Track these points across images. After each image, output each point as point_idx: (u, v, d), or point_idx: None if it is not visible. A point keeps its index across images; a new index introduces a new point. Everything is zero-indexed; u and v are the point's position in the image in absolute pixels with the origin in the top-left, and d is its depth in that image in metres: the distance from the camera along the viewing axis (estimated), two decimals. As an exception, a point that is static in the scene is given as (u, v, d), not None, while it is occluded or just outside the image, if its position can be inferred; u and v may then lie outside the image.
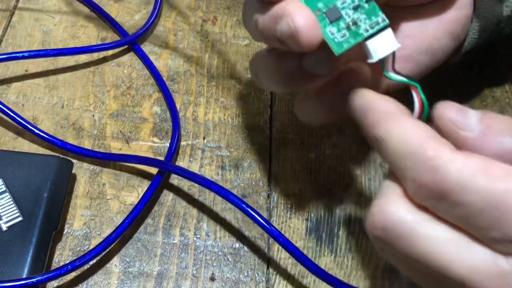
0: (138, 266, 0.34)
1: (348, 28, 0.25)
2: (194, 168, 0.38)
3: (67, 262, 0.33)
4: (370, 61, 0.26)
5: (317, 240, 0.35)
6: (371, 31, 0.25)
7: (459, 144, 0.22)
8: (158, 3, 0.46)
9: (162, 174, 0.36)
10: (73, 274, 0.33)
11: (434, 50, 0.32)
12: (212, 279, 0.34)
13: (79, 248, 0.34)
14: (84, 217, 0.35)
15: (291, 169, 0.38)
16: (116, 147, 0.39)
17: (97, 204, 0.36)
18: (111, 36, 0.44)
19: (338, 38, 0.25)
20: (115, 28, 0.45)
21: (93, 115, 0.40)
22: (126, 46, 0.43)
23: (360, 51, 0.26)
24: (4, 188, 0.34)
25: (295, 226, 0.36)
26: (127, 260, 0.34)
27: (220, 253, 0.34)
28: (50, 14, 0.45)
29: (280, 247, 0.35)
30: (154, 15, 0.45)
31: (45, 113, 0.40)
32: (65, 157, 0.36)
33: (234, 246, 0.35)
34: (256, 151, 0.39)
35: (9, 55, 0.40)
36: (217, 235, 0.35)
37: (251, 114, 0.41)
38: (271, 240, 0.35)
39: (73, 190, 0.36)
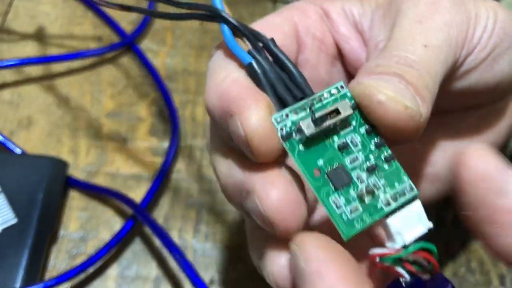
0: (136, 270, 0.33)
1: (361, 198, 0.18)
2: (193, 169, 0.37)
3: (64, 266, 0.33)
4: (391, 245, 0.19)
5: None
6: (394, 205, 0.18)
7: (484, 212, 0.17)
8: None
9: (160, 177, 0.36)
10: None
11: None
12: (212, 282, 0.33)
13: (75, 251, 0.33)
14: (80, 219, 0.35)
15: (291, 169, 0.37)
16: (113, 147, 0.38)
17: (93, 206, 0.35)
18: (108, 34, 0.44)
19: (347, 213, 0.18)
20: (111, 26, 0.44)
21: (89, 115, 0.39)
22: (123, 49, 0.43)
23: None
24: (-2, 190, 0.33)
25: (296, 228, 0.35)
26: (125, 263, 0.33)
27: (219, 256, 0.34)
28: (46, 12, 0.45)
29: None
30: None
31: (40, 113, 0.39)
32: (60, 158, 0.36)
33: (234, 248, 0.34)
34: (256, 151, 0.38)
35: (8, 63, 0.40)
36: (217, 237, 0.34)
37: (251, 113, 0.40)
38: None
39: (69, 191, 0.36)
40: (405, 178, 0.19)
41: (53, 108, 0.39)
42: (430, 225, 0.19)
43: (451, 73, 0.21)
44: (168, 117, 0.39)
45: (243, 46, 0.20)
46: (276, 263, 0.19)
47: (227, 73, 0.20)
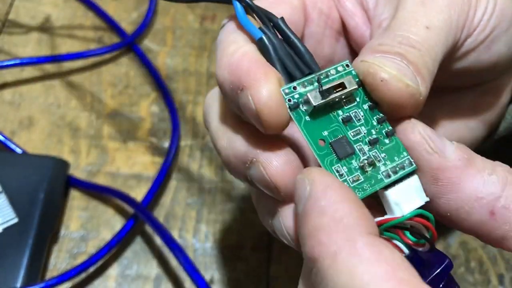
0: (136, 269, 0.33)
1: (363, 169, 0.19)
2: (193, 168, 0.37)
3: (65, 266, 0.33)
4: (389, 216, 0.19)
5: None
6: (393, 177, 0.19)
7: (428, 173, 0.19)
8: (153, 2, 0.45)
9: (161, 177, 0.36)
10: (70, 277, 0.32)
11: (465, 141, 0.26)
12: (212, 281, 0.33)
13: (76, 251, 0.33)
14: (81, 219, 0.35)
15: (291, 169, 0.38)
16: (113, 147, 0.38)
17: (94, 205, 0.35)
18: (109, 34, 0.44)
19: (349, 182, 0.19)
20: (112, 26, 0.44)
21: (90, 115, 0.39)
22: (123, 49, 0.43)
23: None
24: (-1, 189, 0.33)
25: (295, 228, 0.35)
26: (125, 262, 0.33)
27: (219, 255, 0.34)
28: (46, 12, 0.45)
29: (280, 249, 0.34)
30: (150, 13, 0.44)
31: (41, 113, 0.39)
32: (61, 158, 0.36)
33: (234, 248, 0.34)
34: (256, 151, 0.38)
35: (7, 63, 0.40)
36: (217, 237, 0.35)
37: (251, 113, 0.40)
38: (271, 241, 0.35)
39: (69, 191, 0.36)
40: (405, 153, 0.20)
41: (54, 108, 0.40)
42: (427, 199, 0.19)
43: (451, 54, 0.22)
44: (169, 117, 0.39)
45: (254, 23, 0.21)
46: (285, 218, 0.20)
47: (238, 46, 0.20)
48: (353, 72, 0.20)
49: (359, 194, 0.19)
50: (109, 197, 0.36)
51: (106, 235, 0.34)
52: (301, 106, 0.19)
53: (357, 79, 0.20)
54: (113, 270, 0.33)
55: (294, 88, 0.19)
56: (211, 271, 0.33)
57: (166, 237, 0.32)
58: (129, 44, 0.42)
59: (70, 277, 0.31)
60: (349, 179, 0.19)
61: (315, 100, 0.19)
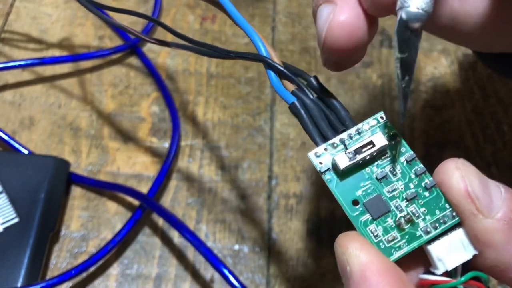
0: (136, 268, 0.33)
1: (399, 227, 0.19)
2: (193, 169, 0.37)
3: (66, 265, 0.33)
4: (434, 271, 0.18)
5: (318, 241, 0.35)
6: (434, 232, 0.18)
7: (469, 232, 0.18)
8: (158, 5, 0.45)
9: (161, 177, 0.36)
10: (70, 277, 0.33)
11: None
12: (212, 281, 0.33)
13: (76, 250, 0.34)
14: (81, 218, 0.35)
15: (291, 169, 0.38)
16: (114, 147, 0.38)
17: (94, 205, 0.35)
18: (109, 35, 0.44)
19: (384, 242, 0.18)
20: (112, 27, 0.44)
21: (91, 115, 0.39)
22: (128, 50, 0.43)
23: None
24: (0, 189, 0.33)
25: (295, 227, 0.35)
26: (125, 262, 0.33)
27: (219, 255, 0.34)
28: (47, 13, 0.45)
29: (280, 249, 0.34)
30: (156, 13, 0.45)
31: (42, 113, 0.39)
32: (62, 157, 0.36)
33: (233, 248, 0.34)
34: (256, 151, 0.38)
35: (9, 64, 0.40)
36: (217, 237, 0.35)
37: (251, 114, 0.40)
38: (271, 241, 0.35)
39: (70, 190, 0.36)
40: (447, 205, 0.19)
41: (55, 108, 0.40)
42: (474, 252, 0.18)
43: None
44: (169, 117, 0.39)
45: (289, 86, 0.21)
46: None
47: None
48: (388, 124, 0.20)
49: (395, 253, 0.18)
50: (109, 197, 0.36)
51: (107, 234, 0.34)
52: (331, 168, 0.19)
53: (393, 132, 0.20)
54: (114, 270, 0.33)
55: (325, 149, 0.19)
56: (211, 271, 0.33)
57: (182, 228, 0.32)
58: (130, 44, 0.43)
59: (70, 277, 0.31)
60: (384, 239, 0.18)
61: (342, 163, 0.19)
